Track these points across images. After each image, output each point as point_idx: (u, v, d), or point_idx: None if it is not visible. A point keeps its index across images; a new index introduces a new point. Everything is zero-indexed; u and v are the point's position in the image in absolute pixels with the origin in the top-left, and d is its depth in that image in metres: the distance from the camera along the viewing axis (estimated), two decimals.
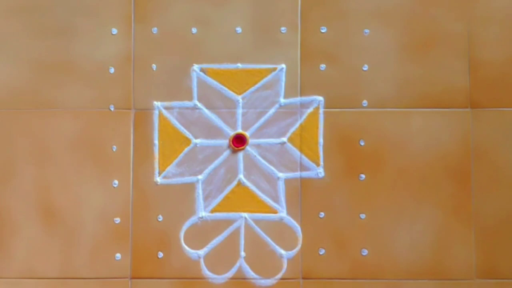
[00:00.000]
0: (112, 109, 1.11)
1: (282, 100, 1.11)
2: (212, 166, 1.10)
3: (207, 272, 1.07)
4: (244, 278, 1.08)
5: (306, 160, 1.10)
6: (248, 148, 1.11)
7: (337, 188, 1.09)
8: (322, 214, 1.09)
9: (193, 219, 1.09)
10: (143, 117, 1.11)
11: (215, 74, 1.11)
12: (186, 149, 1.11)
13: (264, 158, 1.10)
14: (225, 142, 1.11)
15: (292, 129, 1.10)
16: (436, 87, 1.10)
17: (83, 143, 1.10)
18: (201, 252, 1.08)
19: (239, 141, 1.10)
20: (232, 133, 1.11)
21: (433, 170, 1.09)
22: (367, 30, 1.11)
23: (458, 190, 1.08)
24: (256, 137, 1.11)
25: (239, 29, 1.11)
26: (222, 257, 1.07)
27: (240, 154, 1.10)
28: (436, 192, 1.09)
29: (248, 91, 1.11)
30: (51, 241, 1.09)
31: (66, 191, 1.10)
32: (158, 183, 1.09)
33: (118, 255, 1.09)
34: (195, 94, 1.11)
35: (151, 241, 1.08)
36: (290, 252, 1.08)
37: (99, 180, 1.10)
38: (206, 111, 1.11)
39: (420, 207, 1.08)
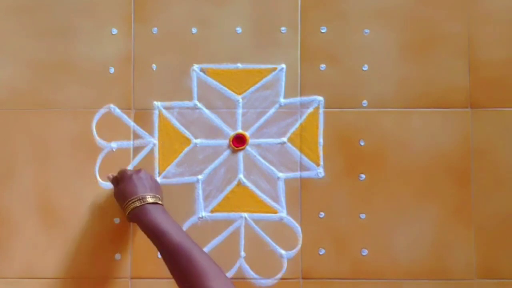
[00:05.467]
0: (112, 109, 1.11)
1: (282, 100, 1.11)
2: (212, 166, 1.10)
3: None
4: (244, 278, 1.08)
5: (306, 160, 1.10)
6: (248, 148, 1.11)
7: (337, 188, 1.09)
8: (322, 214, 1.09)
9: (193, 219, 1.09)
10: (143, 117, 1.11)
11: (215, 74, 1.11)
12: (186, 149, 1.11)
13: (264, 158, 1.10)
14: (225, 142, 1.11)
15: (292, 129, 1.10)
16: (436, 87, 1.10)
17: (83, 143, 1.10)
18: None
19: (239, 141, 1.10)
20: (232, 133, 1.11)
21: (433, 170, 1.09)
22: (367, 30, 1.11)
23: (458, 190, 1.08)
24: (256, 137, 1.11)
25: (239, 29, 1.11)
26: (222, 257, 1.07)
27: (240, 154, 1.10)
28: (436, 192, 1.09)
29: (248, 91, 1.11)
30: (51, 241, 1.09)
31: (66, 191, 1.10)
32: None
33: (118, 255, 1.09)
34: (195, 94, 1.11)
35: None
36: (290, 252, 1.08)
37: (99, 180, 1.10)
38: (206, 111, 1.11)
39: (420, 207, 1.08)
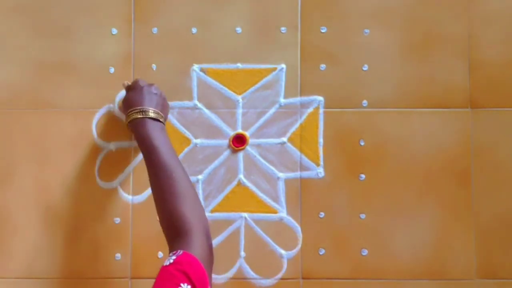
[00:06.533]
0: (112, 109, 1.11)
1: (282, 100, 1.11)
2: (212, 166, 1.10)
3: None
4: (244, 278, 1.08)
5: (306, 160, 1.10)
6: (248, 148, 1.10)
7: (337, 188, 1.09)
8: (322, 214, 1.09)
9: None
10: None
11: (215, 74, 1.11)
12: (186, 149, 1.11)
13: (264, 158, 1.10)
14: (225, 142, 1.11)
15: (292, 129, 1.10)
16: (436, 87, 1.10)
17: (83, 143, 1.10)
18: None
19: (239, 141, 1.10)
20: (232, 133, 1.11)
21: (433, 170, 1.09)
22: (367, 30, 1.11)
23: (458, 190, 1.08)
24: (256, 137, 1.11)
25: (239, 29, 1.11)
26: (222, 257, 1.07)
27: (240, 154, 1.10)
28: (436, 192, 1.09)
29: (248, 91, 1.11)
30: (51, 241, 1.09)
31: (66, 191, 1.10)
32: None
33: (118, 255, 1.09)
34: (195, 94, 1.11)
35: (151, 241, 1.08)
36: (290, 252, 1.08)
37: (99, 180, 1.10)
38: (206, 111, 1.11)
39: (420, 207, 1.08)
